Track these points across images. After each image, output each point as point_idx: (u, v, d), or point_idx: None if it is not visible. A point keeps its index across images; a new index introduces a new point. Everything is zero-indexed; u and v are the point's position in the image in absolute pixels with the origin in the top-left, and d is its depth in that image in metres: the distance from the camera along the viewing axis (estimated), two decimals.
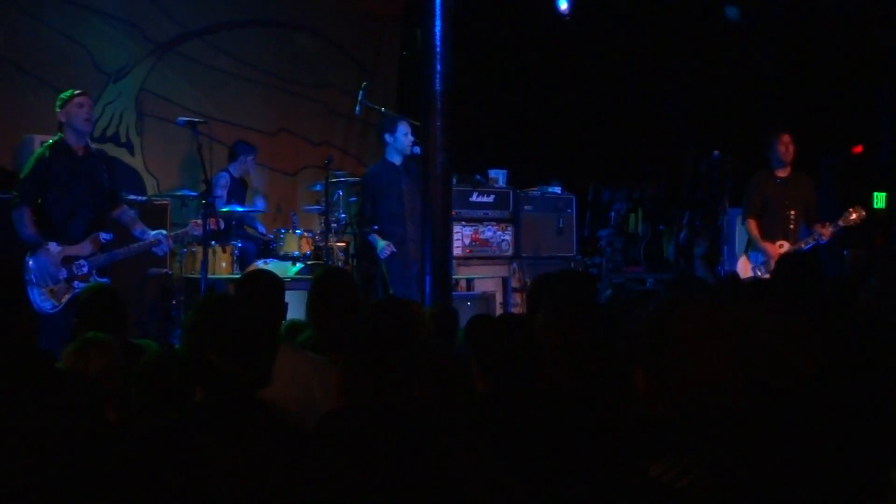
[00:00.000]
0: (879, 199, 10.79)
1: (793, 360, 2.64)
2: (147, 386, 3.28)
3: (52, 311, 6.28)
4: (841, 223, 8.17)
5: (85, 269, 6.42)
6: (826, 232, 8.12)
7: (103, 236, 6.55)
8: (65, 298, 6.33)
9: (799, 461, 2.39)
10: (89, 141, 6.70)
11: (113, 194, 6.80)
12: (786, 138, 8.32)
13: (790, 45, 11.08)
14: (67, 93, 6.57)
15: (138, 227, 6.87)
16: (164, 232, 7.00)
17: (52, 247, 6.36)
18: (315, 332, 4.43)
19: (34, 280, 6.32)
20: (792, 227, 8.29)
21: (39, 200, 6.42)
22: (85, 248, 6.46)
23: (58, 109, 6.54)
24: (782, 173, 8.36)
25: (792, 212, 8.26)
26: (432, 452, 2.69)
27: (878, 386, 3.26)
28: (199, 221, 7.06)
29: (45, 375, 2.47)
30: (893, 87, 10.36)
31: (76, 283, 6.36)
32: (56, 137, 6.56)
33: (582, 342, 3.57)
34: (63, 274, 6.35)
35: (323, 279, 4.66)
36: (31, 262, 6.34)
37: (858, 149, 11.18)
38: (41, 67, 8.58)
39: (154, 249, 6.93)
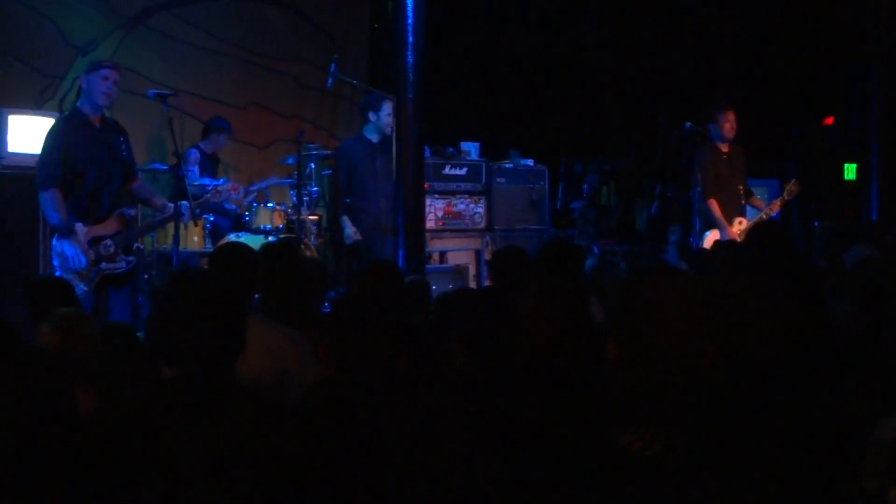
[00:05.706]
0: (850, 171, 10.85)
1: (765, 328, 2.65)
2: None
3: (82, 296, 5.71)
4: (786, 197, 8.25)
5: (112, 249, 6.10)
6: (775, 207, 8.21)
7: (128, 212, 6.26)
8: (94, 281, 6.06)
9: (772, 427, 2.41)
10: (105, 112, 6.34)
11: (130, 166, 6.47)
12: (731, 115, 8.24)
13: (761, 16, 11.09)
14: (98, 59, 6.17)
15: (158, 199, 6.61)
16: (187, 203, 6.52)
17: (79, 228, 6.00)
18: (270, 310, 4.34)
19: (66, 265, 5.99)
20: (742, 202, 8.33)
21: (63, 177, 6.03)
22: (110, 226, 6.14)
23: (82, 73, 6.17)
24: (725, 148, 8.31)
25: (740, 187, 8.29)
26: (417, 423, 2.69)
27: (852, 349, 3.29)
28: (236, 185, 6.97)
29: (8, 348, 2.45)
30: (864, 58, 10.40)
31: (103, 264, 6.08)
32: (69, 109, 6.15)
33: (571, 315, 3.57)
34: (91, 256, 6.03)
35: (269, 256, 4.49)
36: (60, 248, 6.01)
37: (829, 120, 11.23)
38: (9, 41, 8.46)
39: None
